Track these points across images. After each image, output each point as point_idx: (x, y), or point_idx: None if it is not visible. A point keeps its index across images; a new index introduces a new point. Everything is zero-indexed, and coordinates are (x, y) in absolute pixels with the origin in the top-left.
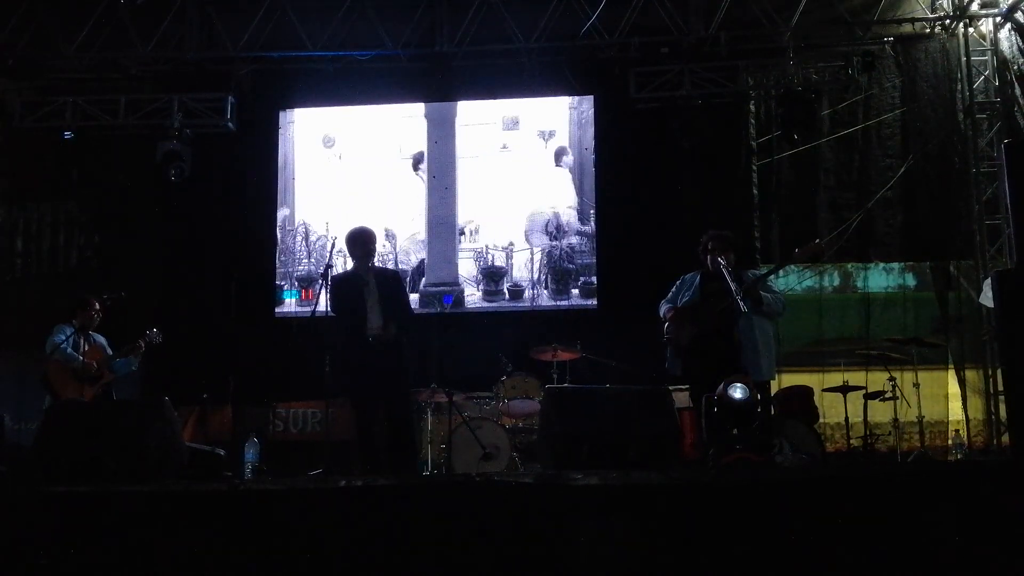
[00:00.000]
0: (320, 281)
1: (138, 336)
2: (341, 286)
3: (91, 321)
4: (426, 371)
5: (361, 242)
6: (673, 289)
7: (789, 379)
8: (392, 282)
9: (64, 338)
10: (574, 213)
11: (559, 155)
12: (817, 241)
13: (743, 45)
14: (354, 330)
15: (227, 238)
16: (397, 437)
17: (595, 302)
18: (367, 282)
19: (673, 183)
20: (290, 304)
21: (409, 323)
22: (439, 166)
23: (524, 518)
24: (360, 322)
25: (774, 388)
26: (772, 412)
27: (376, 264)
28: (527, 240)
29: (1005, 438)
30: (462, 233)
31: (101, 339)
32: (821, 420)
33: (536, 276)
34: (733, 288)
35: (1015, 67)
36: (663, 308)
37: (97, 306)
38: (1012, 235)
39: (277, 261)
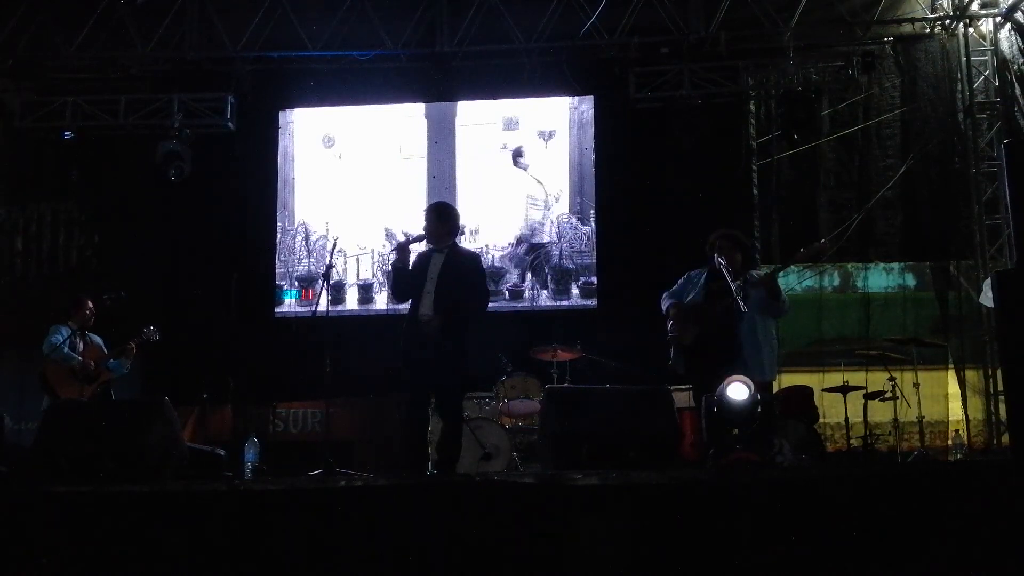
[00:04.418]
0: (321, 281)
1: (135, 336)
2: (408, 264)
3: (86, 320)
4: None
5: (433, 218)
6: (679, 283)
7: (789, 379)
8: (466, 262)
9: (62, 339)
10: (573, 214)
11: (516, 156)
12: (823, 241)
13: (743, 45)
14: (410, 313)
15: (227, 238)
16: (443, 436)
17: (595, 302)
18: (433, 264)
19: (673, 183)
20: (290, 304)
21: (474, 310)
22: (439, 166)
23: (524, 518)
24: (414, 306)
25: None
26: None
27: (459, 245)
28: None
29: (1005, 438)
30: (462, 233)
31: (98, 339)
32: (821, 420)
33: (536, 276)
34: (734, 288)
35: (1015, 67)
36: (665, 303)
37: (90, 305)
38: (1012, 235)
39: (277, 261)
